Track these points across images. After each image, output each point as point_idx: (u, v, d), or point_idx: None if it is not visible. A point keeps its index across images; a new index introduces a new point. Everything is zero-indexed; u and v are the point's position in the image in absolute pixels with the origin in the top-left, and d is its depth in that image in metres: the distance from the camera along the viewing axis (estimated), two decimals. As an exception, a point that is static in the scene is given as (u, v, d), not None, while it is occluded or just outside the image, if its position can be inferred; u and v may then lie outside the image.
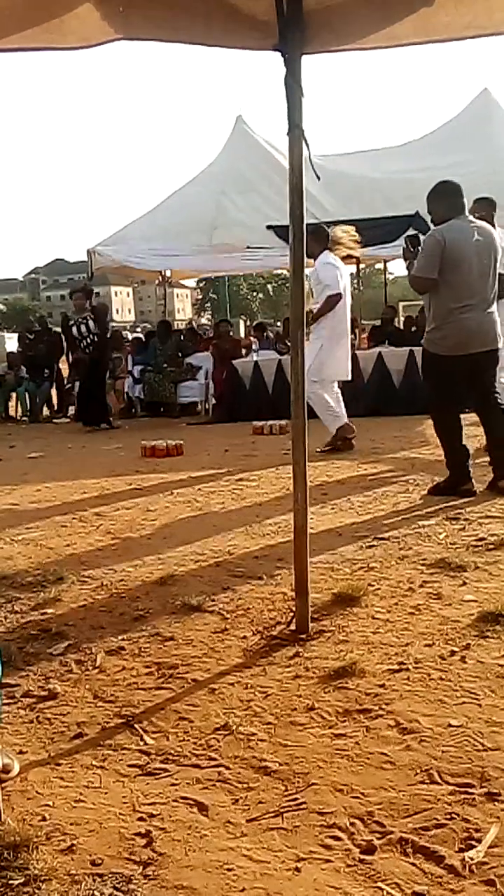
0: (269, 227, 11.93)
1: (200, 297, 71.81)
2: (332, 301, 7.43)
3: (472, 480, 5.31)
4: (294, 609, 3.24)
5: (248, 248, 12.65)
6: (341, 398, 7.73)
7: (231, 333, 15.15)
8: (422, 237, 5.64)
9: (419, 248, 5.52)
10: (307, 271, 7.29)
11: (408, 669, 2.75)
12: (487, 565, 3.73)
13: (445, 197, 5.39)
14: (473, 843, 1.85)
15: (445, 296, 5.28)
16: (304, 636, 3.11)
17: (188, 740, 2.44)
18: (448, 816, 1.96)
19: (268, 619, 3.32)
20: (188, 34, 3.03)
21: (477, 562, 3.78)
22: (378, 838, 1.90)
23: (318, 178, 3.28)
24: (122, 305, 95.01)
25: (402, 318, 16.49)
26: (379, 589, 3.55)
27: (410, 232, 7.45)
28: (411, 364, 10.58)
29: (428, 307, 5.52)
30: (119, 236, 13.72)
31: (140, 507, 5.73)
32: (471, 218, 5.43)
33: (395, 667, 2.78)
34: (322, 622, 3.23)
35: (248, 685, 2.76)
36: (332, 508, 5.19)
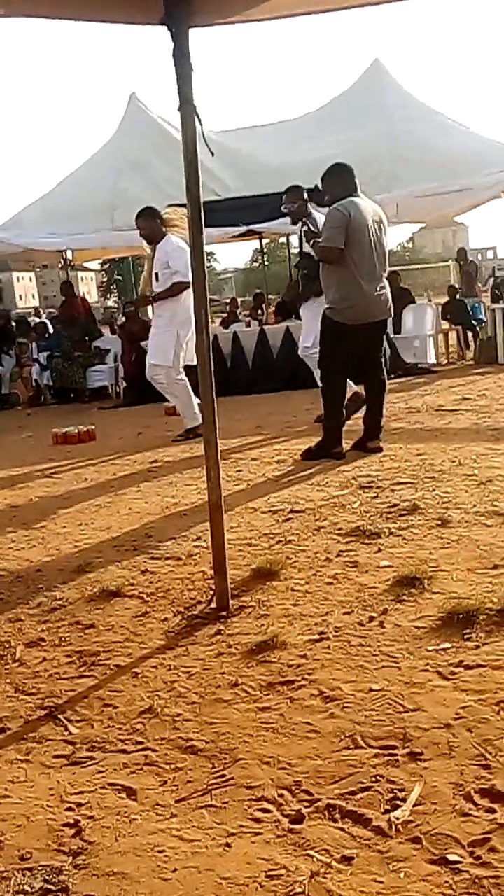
0: (169, 206, 11.79)
1: (105, 279, 70.71)
2: (180, 288, 7.06)
3: (342, 444, 5.76)
4: (213, 587, 3.24)
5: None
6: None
7: (139, 315, 14.99)
8: (316, 216, 5.89)
9: (315, 227, 6.07)
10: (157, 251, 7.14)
11: (328, 638, 2.78)
12: (401, 531, 3.79)
13: (340, 177, 5.75)
14: (399, 802, 1.89)
15: (349, 267, 5.57)
16: (225, 613, 3.11)
17: (113, 726, 2.43)
18: (373, 779, 1.99)
19: (188, 599, 3.32)
20: (69, 9, 2.96)
21: (391, 528, 3.84)
22: (306, 807, 1.93)
23: (213, 153, 3.27)
24: (26, 291, 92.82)
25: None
26: (297, 561, 3.58)
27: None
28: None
29: (325, 279, 5.80)
30: (17, 220, 13.42)
31: (54, 495, 5.64)
32: (362, 196, 5.76)
33: (316, 637, 2.81)
34: (242, 598, 3.24)
35: (172, 666, 2.75)
36: (248, 484, 5.20)
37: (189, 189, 3.10)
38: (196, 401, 7.41)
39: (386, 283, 5.80)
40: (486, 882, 1.61)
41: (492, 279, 13.80)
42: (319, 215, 7.32)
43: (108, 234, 12.78)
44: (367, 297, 5.60)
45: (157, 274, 7.18)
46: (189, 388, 7.31)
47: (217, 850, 1.81)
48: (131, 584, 3.55)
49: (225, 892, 1.67)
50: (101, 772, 2.20)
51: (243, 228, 12.61)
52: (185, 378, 7.30)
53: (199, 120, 3.06)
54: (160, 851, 1.82)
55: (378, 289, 5.67)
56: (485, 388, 8.74)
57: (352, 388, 7.31)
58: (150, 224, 7.19)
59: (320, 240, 5.79)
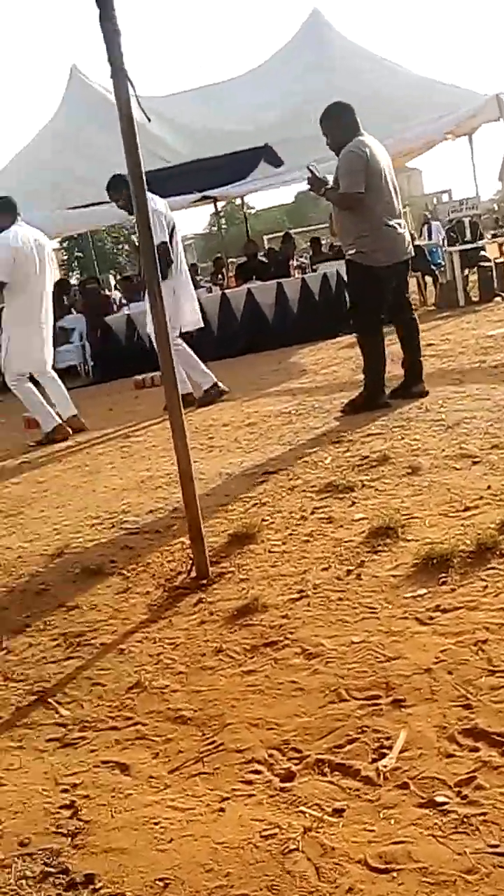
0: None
1: (66, 256, 69.86)
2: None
3: (385, 393, 5.54)
4: (192, 556, 3.25)
5: (98, 203, 12.32)
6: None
7: (103, 290, 14.87)
8: (313, 165, 5.59)
9: (321, 174, 5.60)
10: None
11: (308, 596, 2.80)
12: (373, 482, 3.81)
13: (342, 117, 5.48)
14: (385, 751, 1.92)
15: (371, 208, 5.36)
16: (205, 581, 3.13)
17: (103, 704, 2.45)
18: (359, 730, 2.03)
19: (168, 571, 3.33)
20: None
21: (363, 480, 3.86)
22: (296, 764, 1.96)
23: (149, 119, 3.22)
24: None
25: (265, 251, 16.48)
26: (273, 522, 3.59)
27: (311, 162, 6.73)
28: (281, 296, 10.67)
29: (345, 225, 5.52)
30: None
31: (29, 480, 5.62)
32: (366, 133, 5.49)
33: (296, 595, 2.83)
34: (221, 564, 3.26)
35: (156, 639, 2.77)
36: (220, 451, 5.20)
37: (128, 155, 3.05)
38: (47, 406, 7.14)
39: (403, 220, 5.60)
40: (474, 820, 1.65)
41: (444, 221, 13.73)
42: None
43: (62, 214, 12.59)
44: (394, 236, 5.42)
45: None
46: (31, 391, 7.15)
47: (211, 817, 1.84)
48: (112, 561, 3.56)
49: (221, 856, 1.70)
50: (93, 750, 2.22)
51: (197, 196, 12.48)
52: (27, 381, 7.13)
53: (132, 84, 3.01)
54: (156, 823, 1.85)
55: (401, 226, 5.51)
56: (447, 332, 8.75)
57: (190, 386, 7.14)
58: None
59: (333, 187, 5.49)
